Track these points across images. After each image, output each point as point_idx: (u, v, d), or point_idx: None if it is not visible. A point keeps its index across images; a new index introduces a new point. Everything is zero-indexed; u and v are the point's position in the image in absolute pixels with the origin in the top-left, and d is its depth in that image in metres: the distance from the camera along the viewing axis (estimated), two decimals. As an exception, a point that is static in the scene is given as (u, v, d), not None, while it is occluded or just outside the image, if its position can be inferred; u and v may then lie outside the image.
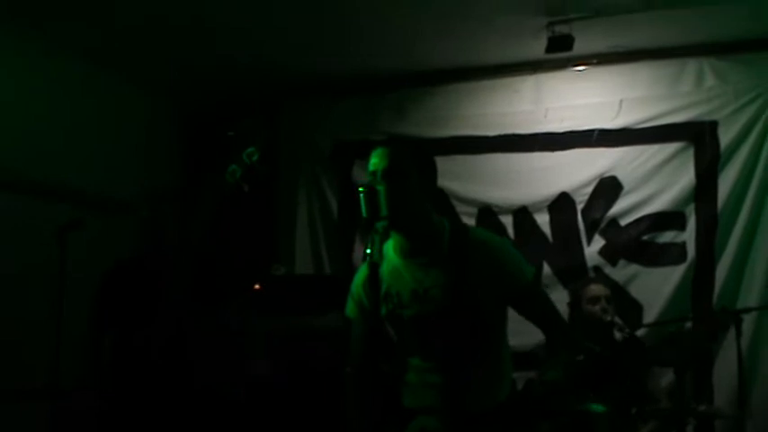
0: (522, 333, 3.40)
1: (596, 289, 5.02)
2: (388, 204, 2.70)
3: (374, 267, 2.55)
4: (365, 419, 3.07)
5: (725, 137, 5.58)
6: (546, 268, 5.84)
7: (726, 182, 5.55)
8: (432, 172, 3.10)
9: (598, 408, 3.86)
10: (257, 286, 5.65)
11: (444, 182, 5.66)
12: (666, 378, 5.20)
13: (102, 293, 4.37)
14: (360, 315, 3.22)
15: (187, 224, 3.83)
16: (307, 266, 6.52)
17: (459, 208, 5.92)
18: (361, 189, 2.65)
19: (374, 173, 2.97)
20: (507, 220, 5.97)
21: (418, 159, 3.05)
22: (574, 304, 5.07)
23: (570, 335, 3.28)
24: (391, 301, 3.09)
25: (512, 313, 3.20)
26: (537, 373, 4.41)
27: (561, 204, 5.90)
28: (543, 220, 5.94)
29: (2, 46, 5.39)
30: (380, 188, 2.66)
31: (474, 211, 5.95)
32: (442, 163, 3.19)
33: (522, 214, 5.98)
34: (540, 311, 3.15)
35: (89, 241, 4.74)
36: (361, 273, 3.22)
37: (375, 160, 2.99)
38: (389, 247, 3.14)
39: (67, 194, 5.60)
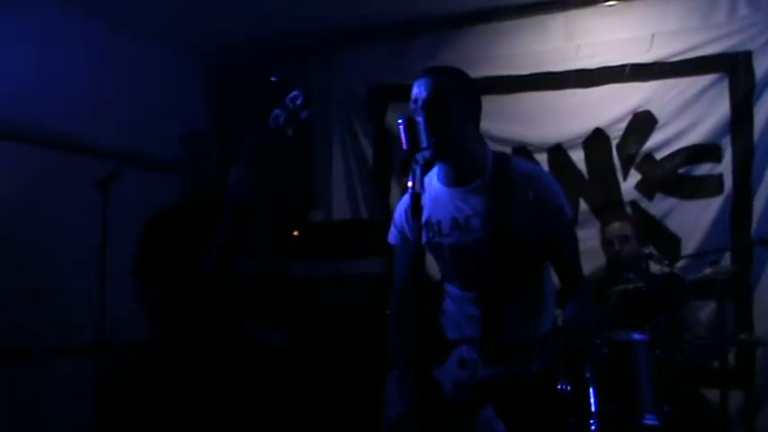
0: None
1: (616, 228, 5.08)
2: (431, 133, 2.72)
3: (416, 199, 2.58)
4: (409, 347, 3.11)
5: (760, 67, 5.48)
6: (582, 205, 5.84)
7: (762, 112, 5.47)
8: (475, 98, 3.11)
9: (637, 337, 3.91)
10: (296, 233, 5.71)
11: (478, 122, 5.71)
12: (705, 311, 5.23)
13: (145, 239, 4.44)
14: (403, 243, 3.27)
15: (230, 170, 3.87)
16: (343, 212, 6.60)
17: (494, 148, 5.78)
18: (399, 121, 2.68)
19: (416, 100, 3.00)
20: (542, 159, 5.96)
21: (460, 87, 3.07)
22: (603, 243, 5.14)
23: (587, 297, 3.26)
24: (431, 229, 3.12)
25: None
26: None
27: (596, 140, 5.88)
28: (578, 156, 5.93)
29: (37, 17, 5.45)
30: (419, 119, 2.69)
31: (508, 150, 5.90)
32: (476, 103, 3.20)
33: (557, 152, 5.98)
34: (568, 257, 3.14)
35: (128, 197, 4.81)
36: (404, 201, 3.26)
37: (417, 89, 3.02)
38: (433, 176, 3.17)
39: (104, 152, 5.67)
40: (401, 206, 3.28)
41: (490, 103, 5.81)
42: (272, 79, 3.70)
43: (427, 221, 3.12)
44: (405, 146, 2.66)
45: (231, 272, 3.93)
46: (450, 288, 3.23)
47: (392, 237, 3.34)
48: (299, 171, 6.67)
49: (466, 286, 3.16)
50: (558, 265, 3.16)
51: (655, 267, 4.78)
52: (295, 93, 3.56)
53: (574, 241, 3.23)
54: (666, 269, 4.75)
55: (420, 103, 2.98)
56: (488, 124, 5.81)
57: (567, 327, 3.14)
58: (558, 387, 2.99)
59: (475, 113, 3.11)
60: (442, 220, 3.11)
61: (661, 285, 4.54)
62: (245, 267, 4.12)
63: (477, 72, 5.96)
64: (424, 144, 2.66)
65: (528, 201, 3.00)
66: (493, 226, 2.99)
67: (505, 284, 3.06)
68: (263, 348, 4.28)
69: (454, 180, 3.09)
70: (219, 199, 3.88)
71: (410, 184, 2.57)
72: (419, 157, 2.61)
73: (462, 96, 3.04)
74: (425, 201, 3.04)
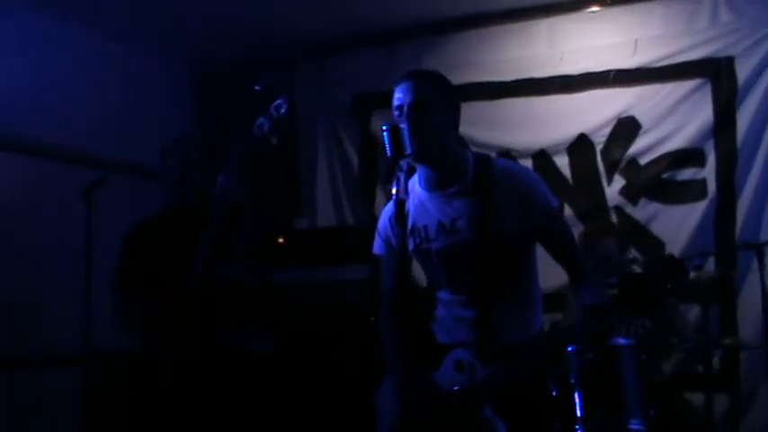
0: (548, 275, 3.41)
1: (606, 246, 5.07)
2: (415, 137, 2.71)
3: (401, 205, 2.58)
4: (403, 357, 3.10)
5: (742, 72, 5.52)
6: (567, 210, 5.84)
7: (744, 117, 5.51)
8: (455, 102, 3.12)
9: (624, 341, 3.90)
10: (281, 240, 5.71)
11: (463, 128, 5.65)
12: (693, 313, 5.25)
13: (126, 254, 4.40)
14: (388, 252, 3.26)
15: (217, 177, 3.86)
16: (329, 219, 6.61)
17: (479, 153, 5.91)
18: (384, 127, 2.67)
19: (400, 107, 3.00)
20: (527, 164, 5.91)
21: (442, 90, 3.07)
22: (586, 251, 5.13)
23: (592, 275, 3.27)
24: (418, 235, 3.13)
25: (538, 256, 3.24)
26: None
27: (580, 146, 5.91)
28: (563, 162, 5.96)
29: (20, 22, 5.43)
30: (402, 126, 2.68)
31: (493, 156, 5.92)
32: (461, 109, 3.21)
33: (542, 157, 6.01)
34: (563, 244, 3.17)
35: (115, 205, 4.79)
36: (388, 209, 3.25)
37: (400, 94, 3.02)
38: (415, 182, 3.17)
39: (89, 159, 5.65)
40: (385, 215, 3.27)
41: (475, 110, 5.96)
42: (256, 88, 3.69)
43: (413, 228, 3.13)
44: (389, 152, 2.65)
45: (218, 279, 3.93)
46: (440, 293, 3.23)
47: (377, 247, 3.32)
48: (284, 178, 6.66)
49: (456, 289, 3.16)
50: (557, 254, 3.16)
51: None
52: (279, 101, 3.56)
53: (566, 227, 3.28)
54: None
55: (405, 107, 2.98)
56: (473, 130, 5.90)
57: (593, 309, 3.09)
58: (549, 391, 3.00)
59: (455, 116, 3.12)
60: (429, 225, 3.11)
61: (659, 266, 4.57)
62: (232, 274, 4.11)
63: (461, 78, 6.01)
64: (408, 150, 2.65)
65: (512, 198, 3.01)
66: (479, 226, 3.00)
67: (495, 284, 3.07)
68: (250, 355, 4.27)
69: (437, 184, 3.10)
70: (207, 206, 3.88)
71: (394, 190, 2.57)
72: (403, 163, 2.62)
73: (444, 99, 3.05)
74: (409, 207, 3.06)
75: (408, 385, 2.98)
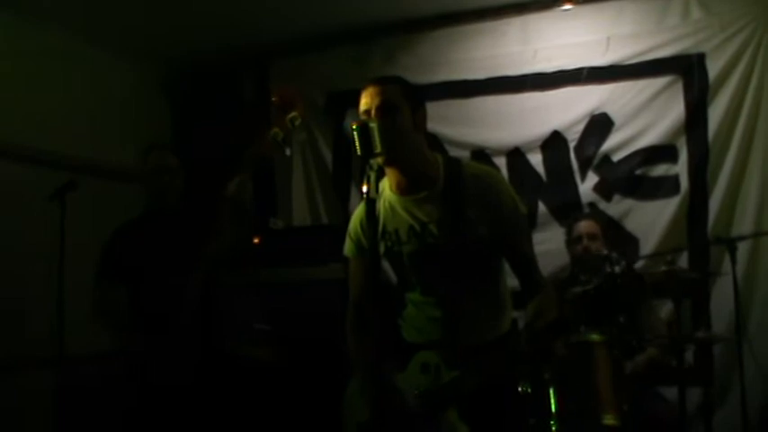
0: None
1: (585, 226, 5.10)
2: (383, 140, 2.72)
3: (371, 204, 2.59)
4: (368, 357, 3.11)
5: (713, 68, 5.57)
6: (541, 207, 5.89)
7: (716, 113, 5.55)
8: (422, 107, 3.13)
9: (595, 337, 3.94)
10: (256, 240, 5.71)
11: (436, 127, 5.74)
12: (665, 309, 5.28)
13: (112, 247, 4.42)
14: (358, 253, 3.27)
15: (234, 182, 3.87)
16: (304, 218, 6.60)
17: (453, 152, 5.89)
18: (354, 127, 2.67)
19: (367, 111, 3.01)
20: (501, 162, 5.99)
21: (409, 94, 3.09)
22: (570, 242, 5.15)
23: (545, 290, 3.26)
24: (390, 238, 3.14)
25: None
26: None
27: (554, 143, 5.93)
28: (536, 159, 5.97)
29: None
30: (373, 125, 2.68)
31: (467, 154, 5.96)
32: (434, 108, 3.24)
33: (516, 155, 6.02)
34: (523, 254, 3.15)
35: (86, 207, 4.77)
36: (359, 211, 3.27)
37: (367, 99, 3.03)
38: (386, 186, 3.18)
39: (62, 162, 5.62)
40: (356, 217, 3.29)
41: (448, 108, 6.00)
42: (273, 99, 3.71)
43: (384, 231, 3.14)
44: (359, 152, 2.65)
45: (226, 283, 3.97)
46: (411, 295, 3.25)
47: (347, 249, 3.34)
48: (258, 180, 6.64)
49: (426, 291, 3.18)
50: (516, 263, 3.16)
51: (615, 269, 4.81)
52: (294, 113, 3.60)
53: (529, 238, 3.28)
54: (623, 267, 4.78)
55: (372, 109, 2.99)
56: (447, 128, 5.93)
57: (530, 326, 3.12)
58: (519, 388, 3.01)
59: (422, 122, 3.13)
60: (399, 229, 3.13)
61: (620, 283, 4.57)
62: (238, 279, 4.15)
63: (435, 77, 6.08)
64: (378, 150, 2.66)
65: (481, 203, 3.02)
66: (449, 231, 3.01)
67: (465, 287, 3.08)
68: (251, 362, 4.30)
69: (407, 189, 3.11)
70: (184, 210, 3.90)
71: (364, 189, 2.58)
72: (373, 162, 2.63)
73: (411, 105, 3.06)
74: (380, 211, 3.09)
75: (373, 387, 2.97)
